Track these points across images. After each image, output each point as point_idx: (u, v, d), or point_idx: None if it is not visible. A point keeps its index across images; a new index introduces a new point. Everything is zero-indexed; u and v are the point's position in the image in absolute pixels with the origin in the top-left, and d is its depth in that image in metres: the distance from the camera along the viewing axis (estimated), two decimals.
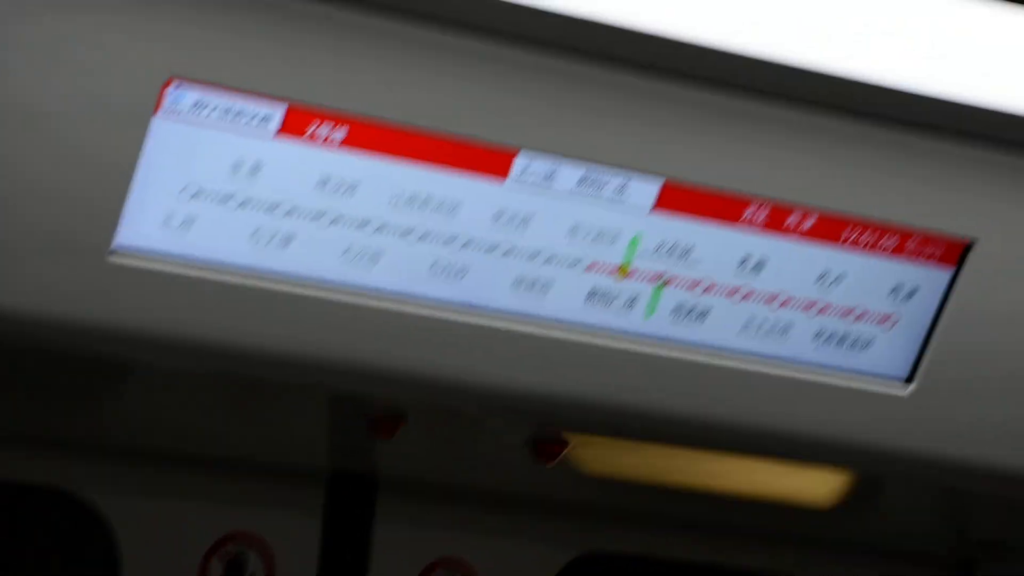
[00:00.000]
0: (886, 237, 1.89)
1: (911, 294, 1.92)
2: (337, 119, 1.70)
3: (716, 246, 1.84)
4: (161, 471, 2.20)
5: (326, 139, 1.71)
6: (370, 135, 1.70)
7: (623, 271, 1.84)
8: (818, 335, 1.91)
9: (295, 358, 1.78)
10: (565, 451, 2.10)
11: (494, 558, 2.33)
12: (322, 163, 1.71)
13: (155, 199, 1.69)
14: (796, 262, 1.87)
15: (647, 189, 1.80)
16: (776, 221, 1.85)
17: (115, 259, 1.68)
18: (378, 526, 2.29)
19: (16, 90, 1.59)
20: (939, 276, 1.91)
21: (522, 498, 2.34)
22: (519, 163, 1.76)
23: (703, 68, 1.72)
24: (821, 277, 1.89)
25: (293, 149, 1.69)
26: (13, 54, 1.58)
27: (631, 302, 1.85)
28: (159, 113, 1.64)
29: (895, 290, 1.92)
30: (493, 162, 1.75)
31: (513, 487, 2.31)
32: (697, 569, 2.44)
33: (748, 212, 1.84)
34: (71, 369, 1.94)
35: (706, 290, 1.86)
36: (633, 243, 1.83)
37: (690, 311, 1.87)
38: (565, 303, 1.83)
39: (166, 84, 1.64)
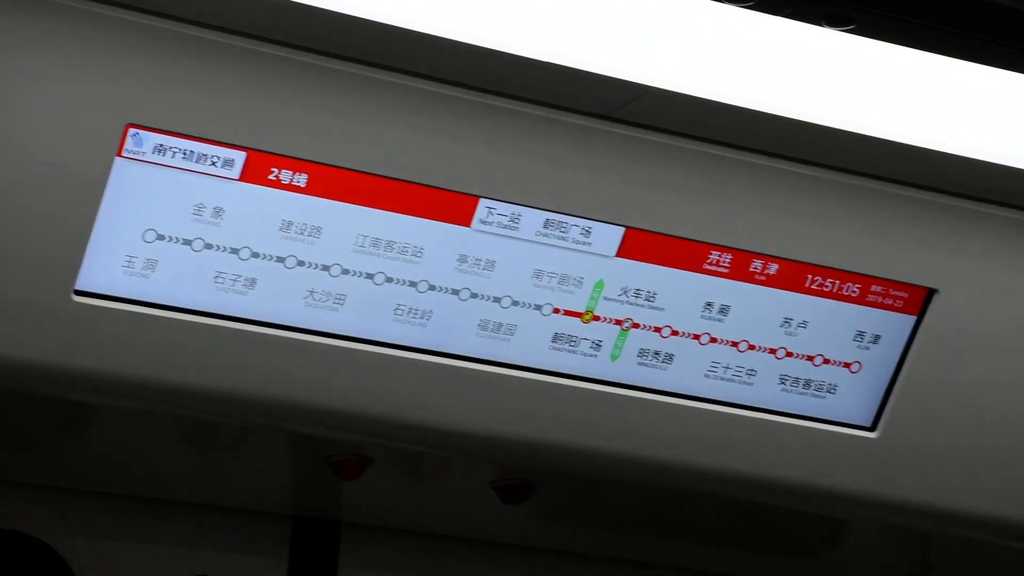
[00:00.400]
0: (849, 284, 1.90)
1: (875, 340, 1.93)
2: (299, 165, 1.71)
3: (680, 291, 1.84)
4: (125, 514, 2.19)
5: (288, 184, 1.72)
6: (333, 181, 1.71)
7: (588, 315, 1.85)
8: (783, 380, 1.92)
9: (259, 401, 1.78)
10: (531, 494, 2.10)
11: None
12: (285, 207, 1.71)
13: (118, 242, 1.68)
14: (760, 308, 1.87)
15: (611, 234, 1.81)
16: (739, 268, 1.85)
17: (78, 301, 1.68)
18: (343, 570, 2.28)
19: None
20: (902, 323, 1.92)
21: (488, 542, 2.33)
22: (482, 209, 1.77)
23: (661, 116, 1.73)
24: (785, 323, 1.89)
25: (256, 193, 1.70)
26: None
27: (596, 345, 1.86)
28: (121, 155, 1.65)
29: (859, 336, 1.93)
30: (456, 208, 1.75)
31: (479, 531, 2.31)
32: None
33: (711, 259, 1.85)
34: (33, 411, 1.94)
35: (671, 334, 1.87)
36: (598, 287, 1.83)
37: (656, 355, 1.87)
38: (530, 346, 1.83)
39: (127, 129, 1.65)
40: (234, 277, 1.72)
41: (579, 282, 1.81)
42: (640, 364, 1.86)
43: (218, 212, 1.69)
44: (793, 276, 1.86)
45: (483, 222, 1.76)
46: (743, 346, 1.89)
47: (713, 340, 1.88)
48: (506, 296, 1.80)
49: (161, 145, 1.65)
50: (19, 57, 1.57)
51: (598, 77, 1.63)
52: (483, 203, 1.75)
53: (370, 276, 1.75)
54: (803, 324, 1.89)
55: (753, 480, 1.94)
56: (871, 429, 1.95)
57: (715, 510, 2.17)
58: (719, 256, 1.83)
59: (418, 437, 1.85)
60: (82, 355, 1.70)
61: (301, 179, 1.70)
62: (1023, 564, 2.25)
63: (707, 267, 1.84)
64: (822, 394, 1.93)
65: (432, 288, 1.77)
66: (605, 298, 1.83)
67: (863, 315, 1.90)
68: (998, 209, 1.87)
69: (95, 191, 1.64)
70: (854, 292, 1.89)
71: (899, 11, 1.57)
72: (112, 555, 2.19)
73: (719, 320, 1.87)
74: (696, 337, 1.87)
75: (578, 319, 1.83)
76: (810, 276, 1.87)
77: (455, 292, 1.78)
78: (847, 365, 1.93)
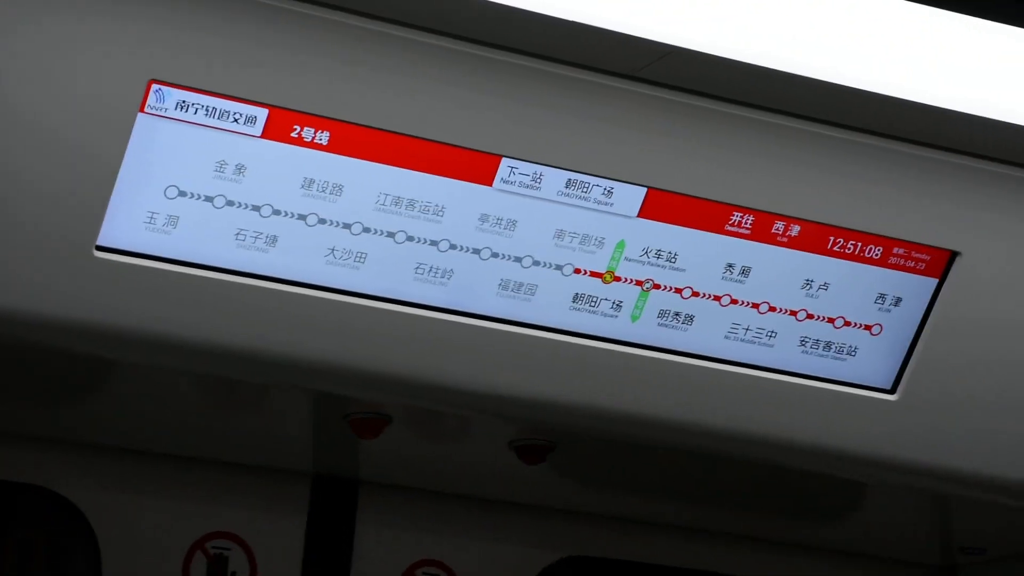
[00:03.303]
0: (871, 247, 1.89)
1: (896, 303, 1.93)
2: (321, 123, 1.70)
3: (701, 252, 1.84)
4: (144, 470, 2.20)
5: (310, 142, 1.71)
6: (354, 139, 1.70)
7: (609, 275, 1.84)
8: (803, 342, 1.92)
9: (279, 359, 1.78)
10: (550, 454, 2.11)
11: (475, 561, 2.34)
12: (307, 165, 1.70)
13: (139, 198, 1.68)
14: (781, 270, 1.87)
15: (633, 195, 1.80)
16: (761, 229, 1.85)
17: (99, 257, 1.68)
18: (360, 528, 2.29)
19: (3, 91, 1.60)
20: (924, 286, 1.92)
21: (504, 501, 2.34)
22: (504, 168, 1.76)
23: (686, 76, 1.72)
24: (806, 285, 1.89)
25: (277, 150, 1.69)
26: (1, 56, 1.59)
27: (617, 306, 1.85)
28: (144, 111, 1.64)
29: (880, 299, 1.92)
30: (478, 166, 1.75)
31: (495, 490, 2.31)
32: (678, 574, 2.44)
33: (733, 220, 1.84)
34: (54, 367, 1.94)
35: (692, 295, 1.87)
36: (619, 248, 1.83)
37: (676, 316, 1.87)
38: (551, 306, 1.83)
39: (149, 85, 1.65)
40: (255, 234, 1.72)
41: (600, 242, 1.81)
42: (660, 325, 1.86)
43: (240, 169, 1.69)
44: (815, 238, 1.85)
45: (505, 181, 1.76)
46: (764, 308, 1.89)
47: (734, 301, 1.87)
48: (527, 256, 1.80)
49: (184, 101, 1.65)
50: (43, 14, 1.57)
51: (622, 36, 1.63)
52: (505, 162, 1.75)
53: (391, 235, 1.75)
54: (824, 286, 1.89)
55: (773, 442, 1.94)
56: (891, 392, 1.94)
57: (734, 472, 2.17)
58: (741, 217, 1.83)
59: (437, 396, 1.86)
60: (103, 311, 1.70)
61: (323, 136, 1.70)
62: None
63: (729, 228, 1.83)
64: (843, 356, 1.93)
65: (453, 247, 1.77)
66: (626, 258, 1.82)
67: (885, 277, 1.89)
68: (1021, 172, 1.86)
69: (118, 147, 1.64)
70: (876, 254, 1.88)
71: None
72: (130, 511, 2.20)
73: (740, 281, 1.86)
74: (717, 298, 1.87)
75: (599, 279, 1.83)
76: (832, 238, 1.86)
77: (476, 251, 1.78)
78: (868, 327, 1.92)
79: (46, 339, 1.74)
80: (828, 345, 1.92)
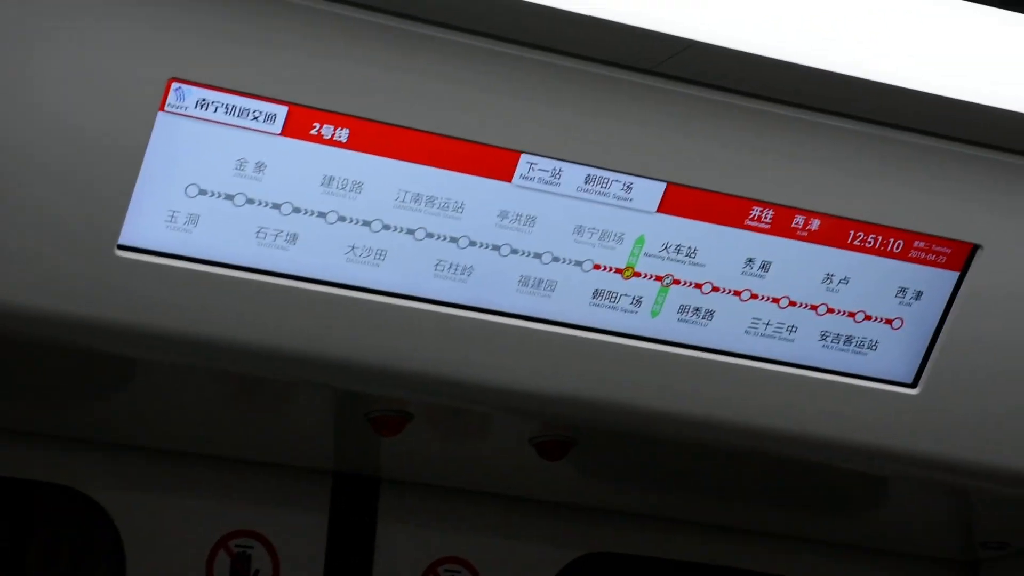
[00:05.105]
0: (892, 240, 1.89)
1: (917, 297, 1.92)
2: (340, 120, 1.71)
3: (721, 247, 1.84)
4: (167, 469, 2.21)
5: (330, 139, 1.72)
6: (374, 136, 1.71)
7: (629, 271, 1.84)
8: (824, 336, 1.91)
9: (300, 356, 1.79)
10: (570, 450, 2.11)
11: (496, 558, 2.34)
12: (326, 162, 1.71)
13: (160, 196, 1.69)
14: (801, 264, 1.87)
15: (652, 190, 1.80)
16: (781, 224, 1.85)
17: (121, 256, 1.69)
18: (382, 525, 2.30)
19: (24, 91, 1.61)
20: (945, 279, 1.91)
21: (525, 498, 2.34)
22: (524, 164, 1.77)
23: (705, 71, 1.72)
24: (827, 279, 1.89)
25: (297, 148, 1.70)
26: (21, 56, 1.60)
27: (637, 302, 1.85)
28: (164, 109, 1.65)
29: (901, 292, 1.92)
30: (497, 163, 1.75)
31: (516, 487, 2.32)
32: (700, 570, 2.44)
33: (753, 214, 1.84)
34: (77, 366, 1.95)
35: (712, 291, 1.87)
36: (638, 243, 1.83)
37: (696, 311, 1.87)
38: (571, 302, 1.83)
39: (169, 83, 1.66)
40: (276, 232, 1.72)
41: (620, 238, 1.81)
42: (680, 320, 1.86)
43: (260, 167, 1.70)
44: (835, 232, 1.85)
45: (524, 177, 1.76)
46: (784, 302, 1.88)
47: (754, 296, 1.87)
48: (547, 252, 1.80)
49: (203, 99, 1.65)
50: (63, 12, 1.58)
51: (641, 31, 1.63)
52: (524, 158, 1.75)
53: (411, 232, 1.75)
54: (845, 280, 1.88)
55: (794, 437, 1.94)
56: (912, 386, 1.94)
57: (755, 467, 2.17)
58: (761, 212, 1.83)
59: (458, 393, 1.86)
60: (125, 310, 1.71)
61: (343, 134, 1.70)
62: None
63: (749, 223, 1.83)
64: (863, 350, 1.92)
65: (473, 244, 1.77)
66: (646, 254, 1.83)
67: (905, 271, 1.89)
68: None
69: (138, 146, 1.64)
70: (897, 248, 1.88)
71: None
72: (154, 509, 2.20)
73: (760, 276, 1.86)
74: (737, 293, 1.87)
75: (619, 275, 1.83)
76: (852, 232, 1.86)
77: (496, 248, 1.78)
78: (888, 321, 1.92)
79: (69, 338, 1.75)
80: (849, 339, 1.92)
